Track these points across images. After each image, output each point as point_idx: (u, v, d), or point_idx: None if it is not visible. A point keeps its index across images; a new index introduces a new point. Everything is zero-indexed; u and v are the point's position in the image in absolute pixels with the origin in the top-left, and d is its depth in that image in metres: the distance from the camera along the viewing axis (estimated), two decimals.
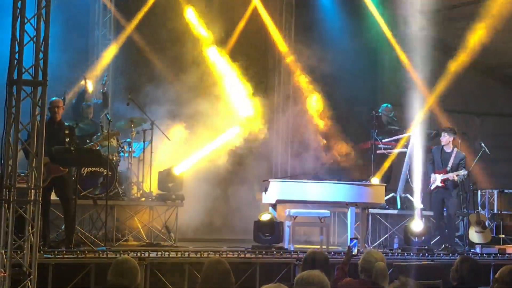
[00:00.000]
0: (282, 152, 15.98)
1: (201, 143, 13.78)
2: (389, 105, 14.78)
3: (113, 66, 14.22)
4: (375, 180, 13.24)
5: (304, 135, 15.24)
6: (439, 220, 12.89)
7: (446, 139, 12.74)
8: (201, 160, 13.67)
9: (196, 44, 14.33)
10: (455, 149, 12.80)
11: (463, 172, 12.51)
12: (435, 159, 12.80)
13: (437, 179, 12.61)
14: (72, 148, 10.01)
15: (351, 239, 8.24)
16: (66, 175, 10.33)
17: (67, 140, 10.34)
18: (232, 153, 14.16)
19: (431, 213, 13.67)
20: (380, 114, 14.41)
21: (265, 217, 11.65)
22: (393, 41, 16.72)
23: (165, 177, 12.45)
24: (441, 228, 12.91)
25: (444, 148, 12.76)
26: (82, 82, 13.06)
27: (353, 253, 7.89)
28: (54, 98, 10.48)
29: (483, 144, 12.88)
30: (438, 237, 13.18)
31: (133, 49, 14.49)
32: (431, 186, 12.69)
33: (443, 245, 12.51)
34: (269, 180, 12.12)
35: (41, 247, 9.44)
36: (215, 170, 13.94)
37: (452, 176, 12.51)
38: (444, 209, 12.83)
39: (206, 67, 14.35)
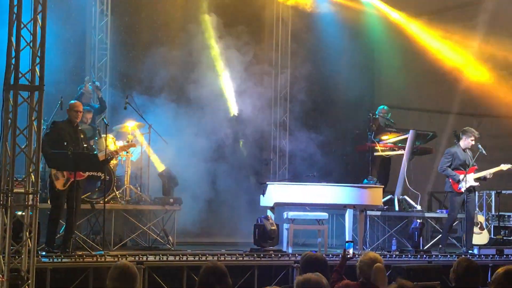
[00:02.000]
0: (280, 132, 16.06)
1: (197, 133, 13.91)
2: (385, 107, 14.77)
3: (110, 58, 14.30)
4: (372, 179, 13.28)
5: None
6: (453, 222, 12.76)
7: (473, 142, 12.67)
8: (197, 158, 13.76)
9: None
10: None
11: (510, 165, 12.54)
12: (460, 158, 12.44)
13: (468, 179, 12.35)
14: (69, 153, 10.01)
15: (347, 242, 8.26)
16: (82, 180, 10.35)
17: (85, 144, 10.40)
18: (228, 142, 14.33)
19: (431, 214, 13.74)
20: (377, 116, 14.40)
21: None
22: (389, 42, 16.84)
23: (163, 180, 12.46)
24: (450, 230, 12.83)
25: (463, 148, 12.63)
26: (86, 87, 13.07)
27: (348, 256, 7.91)
28: (75, 101, 10.52)
29: (480, 146, 12.85)
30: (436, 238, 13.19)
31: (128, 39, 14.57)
32: (461, 187, 12.32)
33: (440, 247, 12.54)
34: (267, 182, 12.13)
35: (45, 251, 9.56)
36: (211, 170, 14.02)
37: (491, 172, 12.46)
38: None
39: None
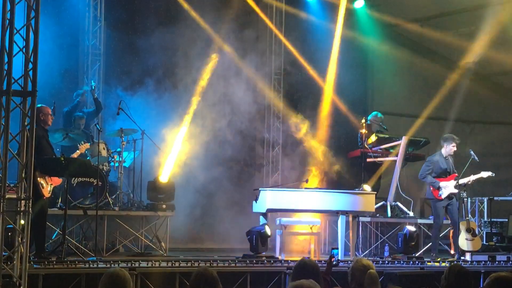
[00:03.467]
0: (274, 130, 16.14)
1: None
2: (378, 113, 14.80)
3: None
4: (367, 187, 13.25)
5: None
6: (440, 228, 12.83)
7: (455, 148, 12.76)
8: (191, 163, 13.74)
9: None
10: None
11: (490, 173, 12.59)
12: (441, 167, 12.59)
13: (449, 186, 12.47)
14: (62, 158, 10.01)
15: (333, 249, 8.28)
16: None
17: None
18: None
19: (424, 220, 13.76)
20: (369, 122, 14.43)
21: None
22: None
23: (155, 187, 12.44)
24: (438, 237, 12.89)
25: (444, 155, 12.72)
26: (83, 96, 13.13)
27: (334, 262, 7.94)
28: (42, 105, 10.42)
29: (472, 152, 12.91)
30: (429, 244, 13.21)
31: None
32: (441, 194, 12.46)
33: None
34: (260, 189, 12.14)
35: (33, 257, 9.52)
36: (204, 176, 14.02)
37: (472, 179, 12.52)
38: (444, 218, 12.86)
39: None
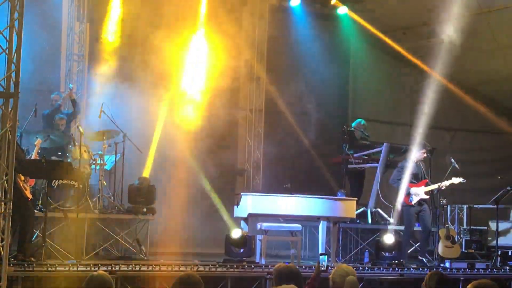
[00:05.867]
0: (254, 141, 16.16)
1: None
2: (363, 121, 14.85)
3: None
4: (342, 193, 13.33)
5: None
6: (411, 235, 12.92)
7: (425, 154, 12.79)
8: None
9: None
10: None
11: (461, 179, 12.61)
12: (411, 172, 12.58)
13: (419, 192, 12.52)
14: (43, 160, 9.97)
15: (321, 254, 8.27)
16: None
17: None
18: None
19: (402, 227, 13.81)
20: (352, 129, 14.48)
21: (235, 233, 11.69)
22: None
23: (136, 190, 12.39)
24: (408, 243, 12.97)
25: (415, 160, 12.76)
26: (56, 97, 13.08)
27: (322, 268, 7.91)
28: None
29: (453, 160, 12.97)
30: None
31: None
32: (411, 200, 12.51)
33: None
34: (241, 193, 12.14)
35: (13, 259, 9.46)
36: (185, 180, 13.99)
37: (442, 185, 12.53)
38: (417, 224, 12.89)
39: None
